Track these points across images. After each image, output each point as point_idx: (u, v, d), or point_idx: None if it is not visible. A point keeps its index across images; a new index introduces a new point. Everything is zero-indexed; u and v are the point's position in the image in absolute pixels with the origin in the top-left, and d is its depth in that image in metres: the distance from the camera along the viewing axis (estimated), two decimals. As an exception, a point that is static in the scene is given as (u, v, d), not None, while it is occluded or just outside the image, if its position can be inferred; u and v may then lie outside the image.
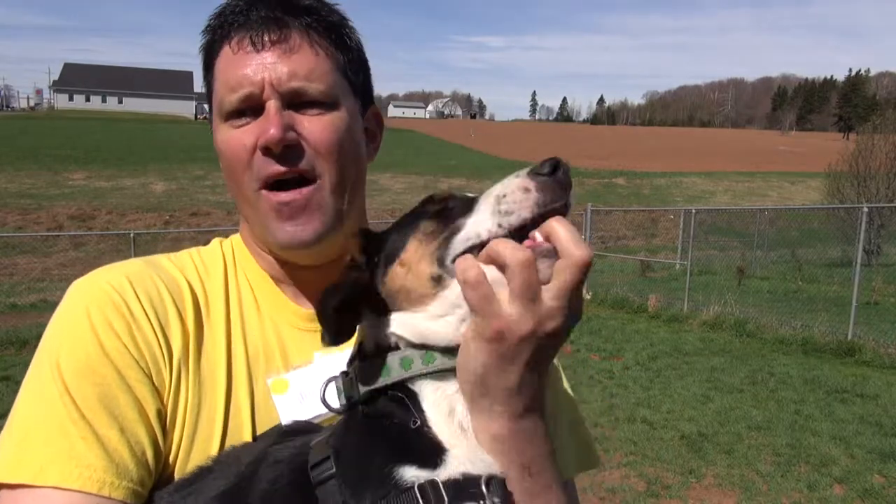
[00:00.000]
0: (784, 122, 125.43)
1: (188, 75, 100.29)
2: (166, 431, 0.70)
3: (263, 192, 0.75)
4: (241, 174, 0.75)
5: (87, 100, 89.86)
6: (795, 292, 10.45)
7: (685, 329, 8.02)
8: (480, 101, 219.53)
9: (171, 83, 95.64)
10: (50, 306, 10.27)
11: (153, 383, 0.70)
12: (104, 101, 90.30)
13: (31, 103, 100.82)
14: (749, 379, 6.00)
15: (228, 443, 0.71)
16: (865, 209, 7.59)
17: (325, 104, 0.76)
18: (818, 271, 12.11)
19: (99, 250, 17.27)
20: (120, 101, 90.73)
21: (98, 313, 0.70)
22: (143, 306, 0.72)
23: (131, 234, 8.26)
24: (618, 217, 23.58)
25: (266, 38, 0.74)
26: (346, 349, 0.69)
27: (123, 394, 0.67)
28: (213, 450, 0.70)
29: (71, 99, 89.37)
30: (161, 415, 0.69)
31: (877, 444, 4.47)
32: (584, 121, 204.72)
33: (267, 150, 0.73)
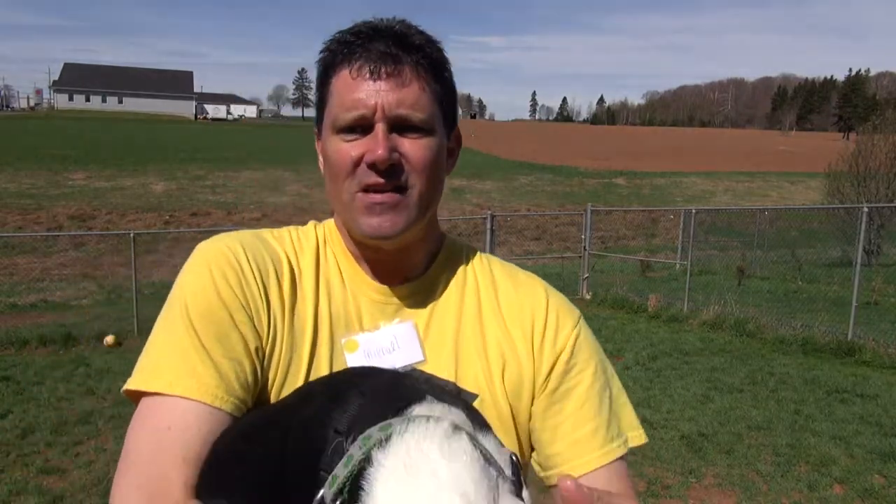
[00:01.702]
0: (784, 122, 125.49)
1: (188, 75, 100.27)
2: (265, 367, 0.88)
3: (359, 194, 0.89)
4: (344, 179, 0.91)
5: (87, 100, 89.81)
6: (795, 292, 10.45)
7: (685, 329, 8.02)
8: (480, 101, 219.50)
9: (171, 83, 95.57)
10: (50, 306, 10.28)
11: (255, 326, 0.88)
12: (104, 101, 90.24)
13: (31, 103, 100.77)
14: (749, 379, 6.00)
15: None
16: (865, 209, 7.59)
17: (423, 129, 0.90)
18: (818, 271, 12.11)
19: (99, 250, 17.26)
20: (120, 101, 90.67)
21: (217, 268, 0.89)
22: (251, 267, 0.90)
23: (131, 234, 8.26)
24: (618, 217, 23.58)
25: (382, 70, 0.88)
26: (405, 322, 0.93)
27: (234, 332, 0.86)
28: None
29: (71, 99, 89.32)
30: (259, 352, 0.88)
31: (877, 444, 4.47)
32: (584, 121, 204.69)
33: (373, 165, 0.87)
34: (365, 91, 0.87)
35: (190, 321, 0.87)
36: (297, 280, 0.95)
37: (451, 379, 0.92)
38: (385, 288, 0.96)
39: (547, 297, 0.99)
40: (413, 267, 0.98)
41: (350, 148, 0.88)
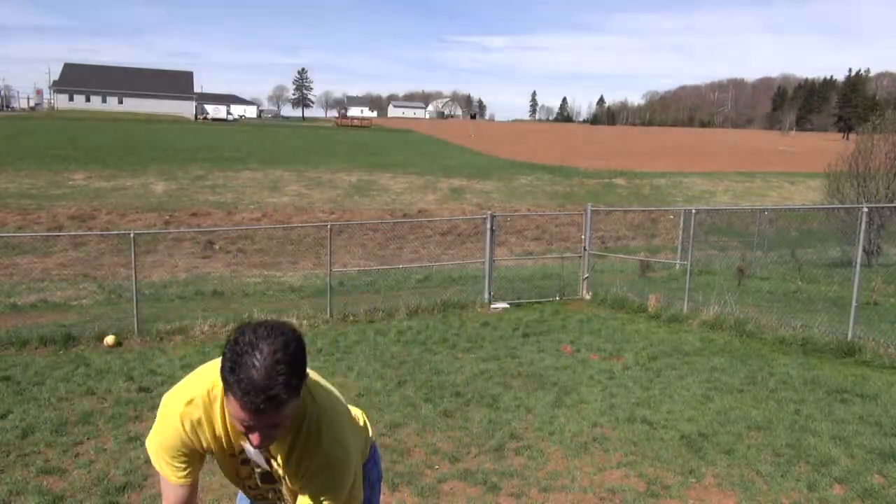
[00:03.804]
0: (784, 123, 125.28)
1: (188, 75, 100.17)
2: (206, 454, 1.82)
3: (244, 434, 1.62)
4: (237, 428, 1.63)
5: (87, 100, 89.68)
6: (795, 292, 10.45)
7: (685, 329, 8.02)
8: (480, 101, 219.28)
9: (171, 83, 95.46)
10: (50, 306, 10.26)
11: (192, 449, 1.78)
12: (104, 101, 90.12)
13: (31, 103, 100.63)
14: (749, 379, 6.00)
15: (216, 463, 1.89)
16: (865, 209, 7.57)
17: (280, 422, 1.58)
18: (818, 271, 12.11)
19: (99, 250, 17.25)
20: (120, 101, 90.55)
21: (175, 429, 1.74)
22: (188, 434, 1.75)
23: (131, 234, 8.25)
24: (618, 217, 23.59)
25: (258, 408, 1.49)
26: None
27: (179, 453, 1.77)
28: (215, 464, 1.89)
29: (71, 99, 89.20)
30: (196, 453, 1.80)
31: (877, 444, 4.47)
32: (584, 121, 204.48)
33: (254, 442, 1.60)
34: (247, 414, 1.51)
35: (163, 453, 1.77)
36: (210, 434, 1.75)
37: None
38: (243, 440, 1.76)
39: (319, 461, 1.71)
40: None
41: (240, 425, 1.57)
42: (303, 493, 1.74)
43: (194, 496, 1.80)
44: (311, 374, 1.73)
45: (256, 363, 1.47)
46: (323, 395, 1.74)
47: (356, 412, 2.08)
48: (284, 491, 1.87)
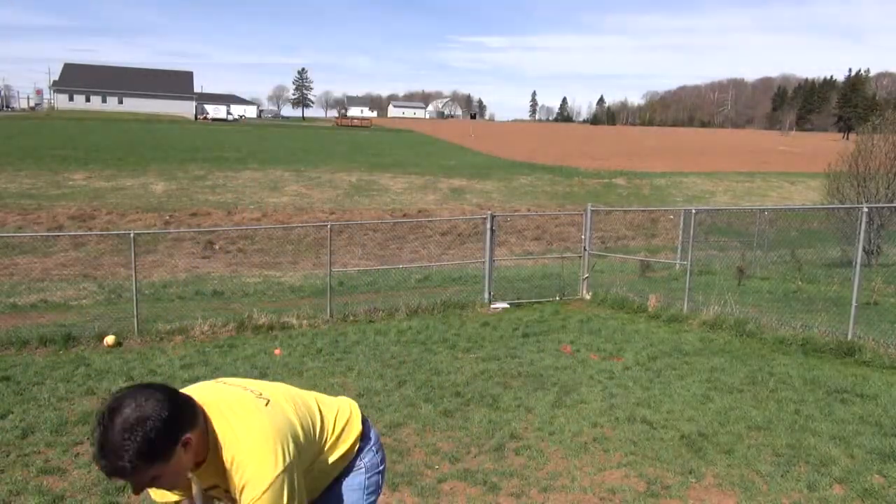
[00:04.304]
0: (784, 122, 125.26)
1: (188, 75, 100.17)
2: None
3: None
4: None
5: (87, 100, 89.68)
6: (795, 292, 10.45)
7: (685, 329, 8.01)
8: (480, 101, 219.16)
9: (171, 83, 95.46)
10: (50, 306, 10.26)
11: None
12: (104, 101, 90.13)
13: (31, 103, 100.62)
14: (749, 379, 6.00)
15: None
16: (865, 209, 7.57)
17: (154, 480, 1.71)
18: (818, 271, 12.11)
19: (99, 250, 17.25)
20: (120, 101, 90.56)
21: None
22: None
23: (131, 234, 8.25)
24: (618, 217, 23.58)
25: (110, 474, 1.65)
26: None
27: None
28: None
29: (71, 99, 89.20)
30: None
31: (877, 444, 4.47)
32: (584, 121, 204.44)
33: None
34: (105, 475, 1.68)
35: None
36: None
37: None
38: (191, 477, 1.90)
39: (249, 483, 1.80)
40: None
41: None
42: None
43: None
44: (227, 419, 1.83)
45: (103, 436, 1.60)
46: (225, 425, 1.82)
47: (336, 406, 2.15)
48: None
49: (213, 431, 1.81)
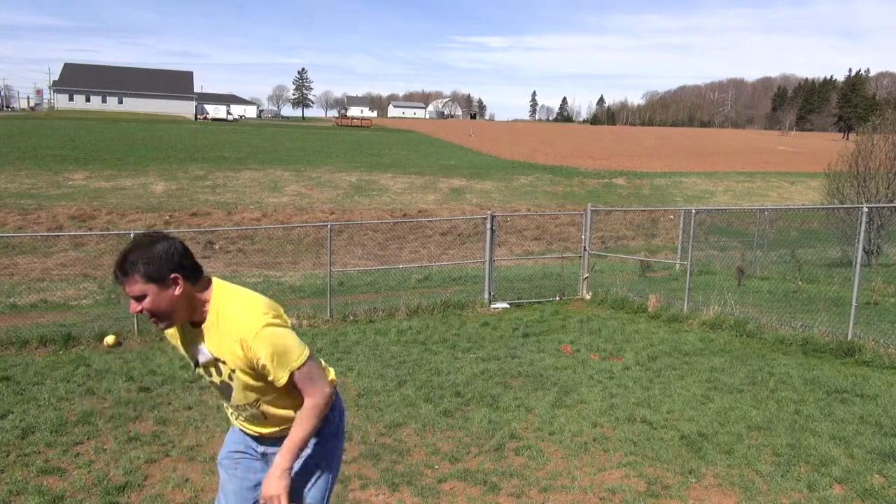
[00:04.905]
0: (784, 122, 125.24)
1: (188, 75, 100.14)
2: None
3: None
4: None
5: (87, 100, 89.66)
6: (795, 292, 10.44)
7: (685, 329, 8.01)
8: (480, 101, 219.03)
9: (171, 83, 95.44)
10: (50, 306, 10.24)
11: None
12: (104, 101, 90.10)
13: (31, 103, 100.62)
14: (749, 379, 6.00)
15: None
16: (865, 209, 7.57)
17: (140, 298, 2.07)
18: (818, 271, 12.11)
19: (99, 250, 17.25)
20: (120, 102, 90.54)
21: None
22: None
23: (131, 235, 8.24)
24: (618, 217, 23.58)
25: (120, 279, 2.08)
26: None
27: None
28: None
29: (71, 99, 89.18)
30: None
31: (877, 444, 4.47)
32: (584, 121, 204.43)
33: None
34: (120, 285, 2.10)
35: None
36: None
37: (217, 355, 2.18)
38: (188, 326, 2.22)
39: (241, 332, 2.09)
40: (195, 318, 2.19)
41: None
42: (259, 368, 2.12)
43: None
44: (228, 288, 2.18)
45: (126, 248, 2.09)
46: (226, 294, 2.15)
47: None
48: (239, 396, 2.23)
49: (212, 298, 2.14)
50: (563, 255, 13.13)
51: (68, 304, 10.66)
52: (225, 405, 2.35)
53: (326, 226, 9.70)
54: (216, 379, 2.23)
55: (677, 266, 12.06)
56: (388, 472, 4.17)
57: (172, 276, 2.05)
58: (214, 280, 2.17)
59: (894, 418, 4.95)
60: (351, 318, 8.73)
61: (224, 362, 2.15)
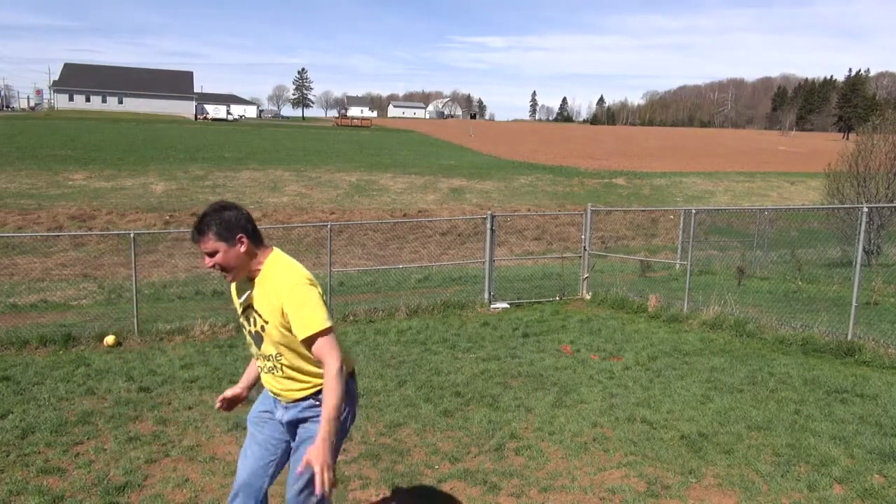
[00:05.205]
0: (784, 122, 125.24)
1: (188, 75, 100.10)
2: None
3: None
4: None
5: (87, 100, 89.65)
6: (795, 292, 10.44)
7: (685, 329, 8.01)
8: (480, 101, 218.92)
9: (171, 83, 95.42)
10: (50, 306, 10.26)
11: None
12: (104, 101, 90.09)
13: (31, 103, 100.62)
14: (749, 379, 6.00)
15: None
16: (865, 209, 7.57)
17: (213, 254, 2.52)
18: (818, 271, 12.10)
19: (99, 250, 17.25)
20: (120, 101, 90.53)
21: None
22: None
23: (131, 234, 8.24)
24: (618, 217, 23.58)
25: (197, 238, 2.54)
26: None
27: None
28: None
29: (71, 99, 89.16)
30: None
31: (877, 444, 4.47)
32: (584, 121, 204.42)
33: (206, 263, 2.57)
34: (196, 243, 2.53)
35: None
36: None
37: (259, 309, 2.60)
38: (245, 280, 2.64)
39: (280, 286, 2.51)
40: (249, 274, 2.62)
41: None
42: (285, 318, 2.50)
43: None
44: (283, 255, 2.62)
45: (202, 213, 2.53)
46: (278, 258, 2.59)
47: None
48: (267, 347, 2.61)
49: (267, 260, 2.58)
50: (563, 255, 13.14)
51: (68, 304, 10.66)
52: (255, 354, 2.75)
53: (326, 226, 9.69)
54: (252, 328, 2.65)
55: (677, 266, 12.06)
56: (388, 472, 4.17)
57: (239, 236, 2.50)
58: (275, 249, 2.62)
59: (894, 418, 4.95)
60: (351, 318, 8.73)
61: (259, 314, 2.57)
